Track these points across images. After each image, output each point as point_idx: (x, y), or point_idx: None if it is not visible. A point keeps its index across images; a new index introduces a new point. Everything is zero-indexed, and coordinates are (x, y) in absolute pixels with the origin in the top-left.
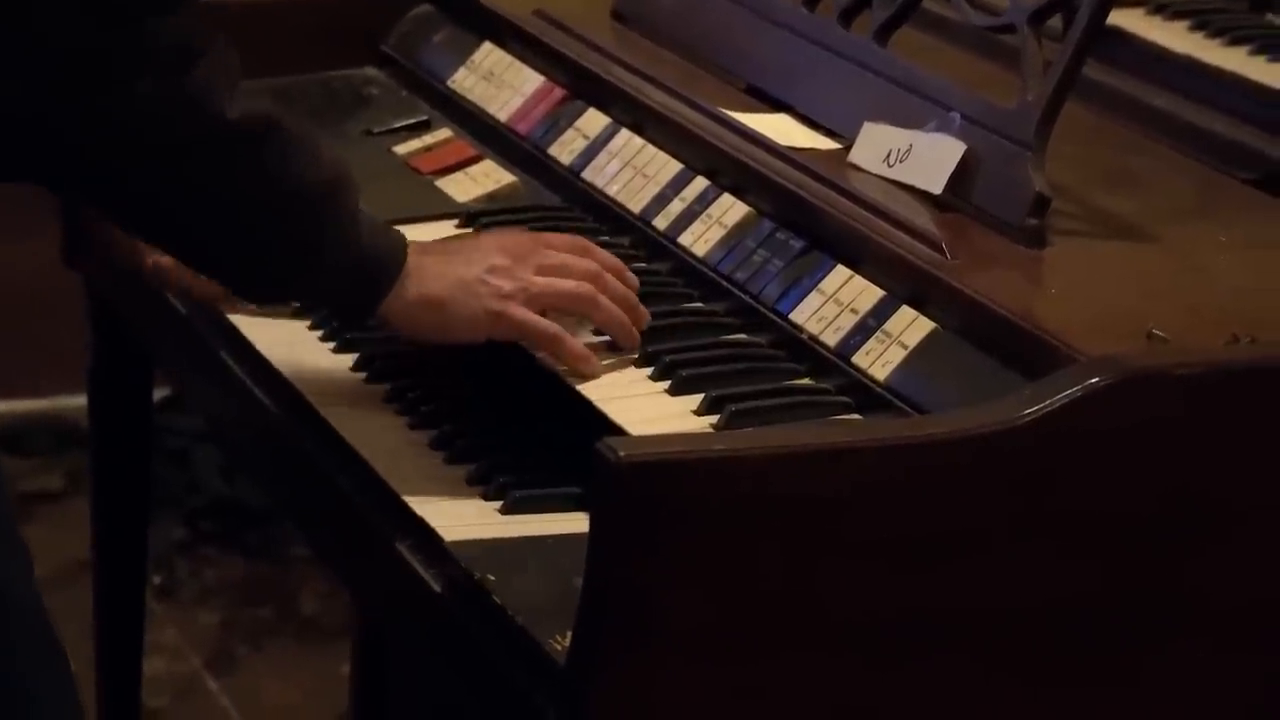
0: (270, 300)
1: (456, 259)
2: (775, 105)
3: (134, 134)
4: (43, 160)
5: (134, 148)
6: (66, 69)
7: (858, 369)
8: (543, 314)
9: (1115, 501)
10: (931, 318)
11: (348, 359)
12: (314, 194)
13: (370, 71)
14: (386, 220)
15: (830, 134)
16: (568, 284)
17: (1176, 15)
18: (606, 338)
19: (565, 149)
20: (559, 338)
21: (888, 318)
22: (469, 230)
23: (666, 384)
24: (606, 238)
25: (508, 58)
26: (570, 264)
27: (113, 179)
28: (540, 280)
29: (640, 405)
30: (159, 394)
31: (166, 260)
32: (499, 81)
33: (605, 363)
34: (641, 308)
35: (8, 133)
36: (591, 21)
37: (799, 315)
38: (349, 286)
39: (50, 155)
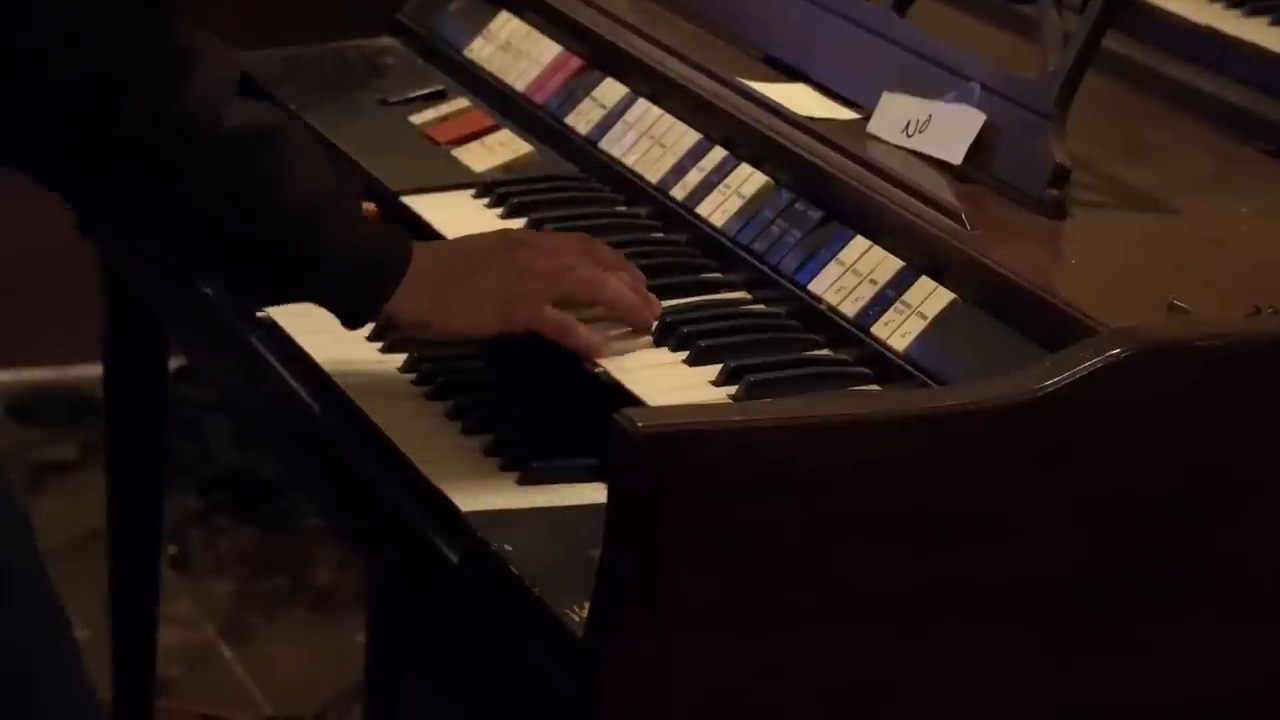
0: (272, 303)
1: (460, 258)
2: (793, 75)
3: (132, 151)
4: (41, 171)
5: (132, 163)
6: (61, 92)
7: (876, 340)
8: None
9: (1134, 473)
10: (951, 289)
11: (363, 330)
12: (314, 200)
13: (386, 41)
14: (403, 189)
15: (849, 104)
16: (574, 272)
17: None
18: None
19: (582, 119)
20: (568, 327)
21: (907, 288)
22: (485, 200)
23: (684, 354)
24: (623, 208)
25: (525, 27)
26: (573, 261)
27: (111, 191)
28: (542, 280)
29: (658, 376)
30: (173, 364)
31: None
32: (516, 51)
33: (620, 331)
34: (653, 298)
35: (14, 150)
36: None
37: (817, 286)
38: (352, 289)
39: (48, 168)
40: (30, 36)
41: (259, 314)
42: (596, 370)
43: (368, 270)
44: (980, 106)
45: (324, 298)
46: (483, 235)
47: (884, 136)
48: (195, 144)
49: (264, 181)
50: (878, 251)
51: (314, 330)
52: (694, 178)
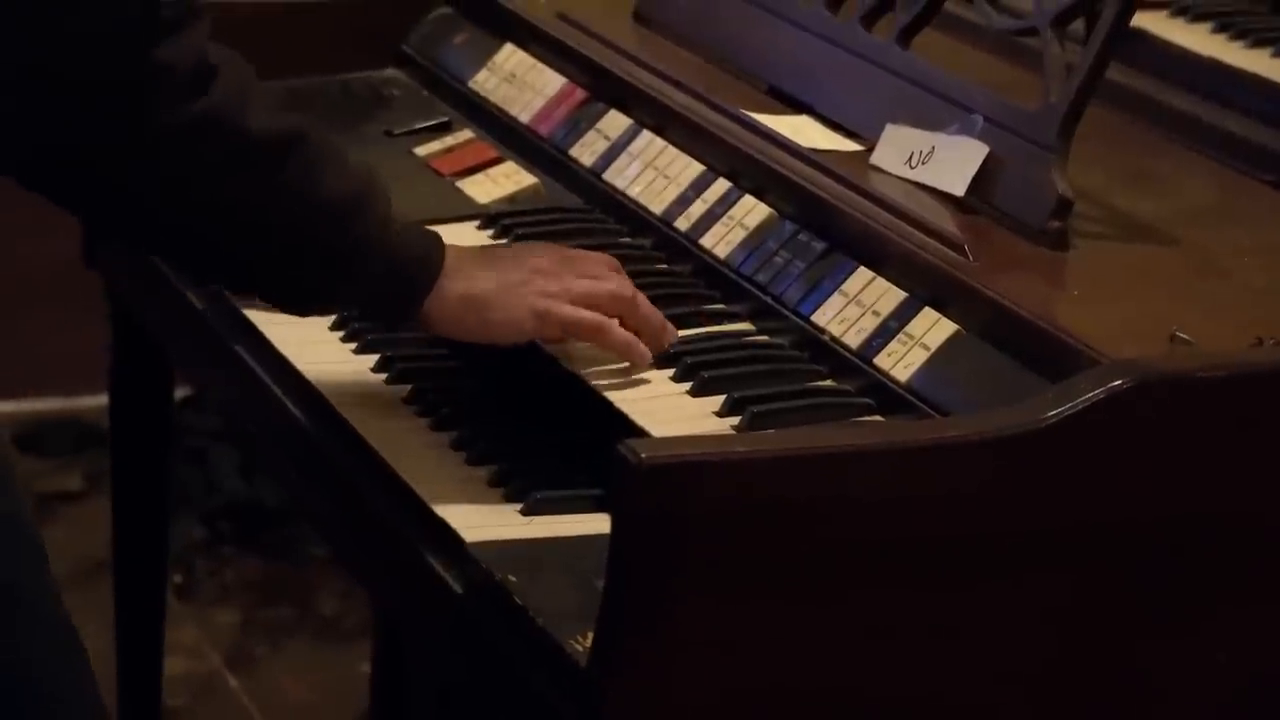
0: (311, 312)
1: (496, 261)
2: (796, 107)
3: (158, 162)
4: (60, 189)
5: (160, 175)
6: (84, 106)
7: (879, 371)
8: None
9: (1137, 503)
10: (953, 320)
11: (369, 360)
12: (345, 202)
13: (390, 72)
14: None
15: (852, 135)
16: (609, 285)
17: (1199, 18)
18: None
19: (587, 150)
20: (605, 326)
21: (910, 320)
22: (490, 232)
23: (688, 385)
24: (628, 239)
25: (529, 59)
26: (605, 274)
27: (140, 207)
28: (581, 282)
29: (661, 407)
30: (178, 394)
31: None
32: (520, 83)
33: (627, 364)
34: (670, 325)
35: (33, 166)
36: (613, 23)
37: (821, 317)
38: (388, 290)
39: (67, 184)
40: (50, 55)
41: (264, 343)
42: (600, 388)
43: (403, 269)
44: (983, 138)
45: (363, 297)
46: (513, 246)
47: (887, 168)
48: (224, 150)
49: (293, 183)
50: (881, 283)
51: (318, 360)
52: (698, 209)
